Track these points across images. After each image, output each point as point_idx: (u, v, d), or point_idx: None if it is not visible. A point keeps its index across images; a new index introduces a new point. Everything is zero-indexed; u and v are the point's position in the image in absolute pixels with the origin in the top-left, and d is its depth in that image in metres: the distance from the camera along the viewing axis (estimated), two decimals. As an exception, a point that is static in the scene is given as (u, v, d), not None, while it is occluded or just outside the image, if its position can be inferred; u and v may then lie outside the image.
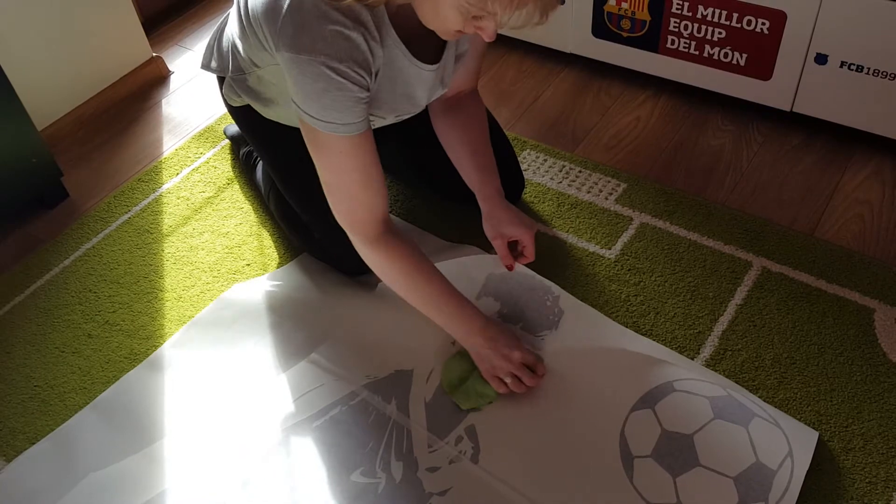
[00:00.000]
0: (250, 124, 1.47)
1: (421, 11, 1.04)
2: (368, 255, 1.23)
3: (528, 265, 1.39)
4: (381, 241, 1.21)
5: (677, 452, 1.17)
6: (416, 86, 1.21)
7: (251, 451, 1.25)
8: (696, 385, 1.26)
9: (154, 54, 2.10)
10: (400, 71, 1.16)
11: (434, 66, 1.20)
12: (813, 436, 1.19)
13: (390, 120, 1.29)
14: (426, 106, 1.35)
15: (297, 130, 1.36)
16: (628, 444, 1.20)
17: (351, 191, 1.18)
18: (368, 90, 1.12)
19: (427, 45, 1.17)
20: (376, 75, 1.13)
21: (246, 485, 1.21)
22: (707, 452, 1.17)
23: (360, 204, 1.19)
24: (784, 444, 1.18)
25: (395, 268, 1.23)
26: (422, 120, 1.46)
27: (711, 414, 1.21)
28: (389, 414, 1.27)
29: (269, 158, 1.48)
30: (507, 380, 1.23)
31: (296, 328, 1.41)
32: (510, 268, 1.37)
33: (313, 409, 1.29)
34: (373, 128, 1.25)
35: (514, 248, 1.39)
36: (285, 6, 1.05)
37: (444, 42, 1.19)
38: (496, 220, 1.35)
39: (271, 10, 1.08)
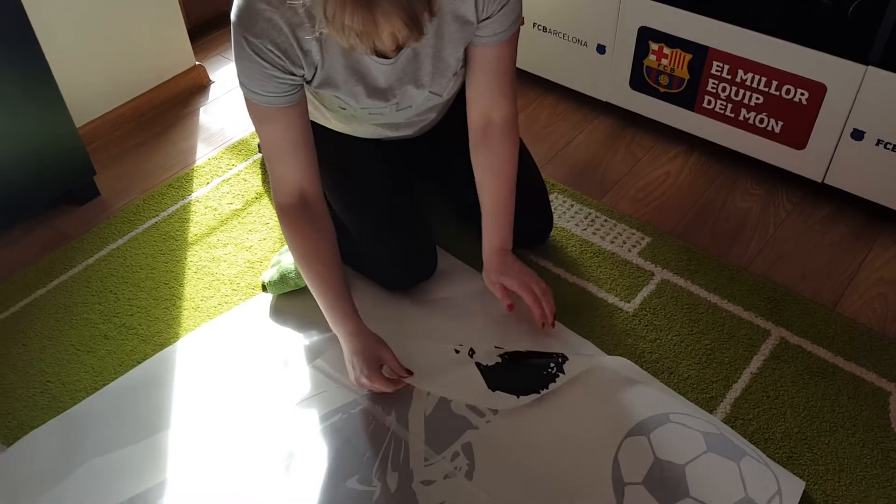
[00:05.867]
0: None
1: None
2: (280, 221, 1.28)
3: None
4: (290, 213, 1.26)
5: (668, 482, 1.18)
6: (378, 78, 1.24)
7: (250, 450, 1.27)
8: (691, 420, 1.27)
9: (197, 62, 2.13)
10: (360, 60, 1.20)
11: (389, 61, 1.21)
12: (800, 485, 1.20)
13: (360, 113, 1.30)
14: (437, 116, 1.40)
15: (333, 133, 1.40)
16: (620, 469, 1.20)
17: (270, 155, 1.24)
18: (293, 74, 1.16)
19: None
20: (318, 63, 1.17)
21: (242, 481, 1.23)
22: (697, 484, 1.18)
23: (276, 170, 1.24)
24: (773, 482, 1.19)
25: (293, 242, 1.27)
26: (445, 132, 1.48)
27: (704, 447, 1.22)
28: (388, 425, 1.29)
29: None
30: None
31: (304, 334, 1.44)
32: (510, 308, 1.40)
33: (315, 414, 1.31)
34: (344, 113, 1.30)
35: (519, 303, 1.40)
36: None
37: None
38: (494, 273, 1.41)
39: None
